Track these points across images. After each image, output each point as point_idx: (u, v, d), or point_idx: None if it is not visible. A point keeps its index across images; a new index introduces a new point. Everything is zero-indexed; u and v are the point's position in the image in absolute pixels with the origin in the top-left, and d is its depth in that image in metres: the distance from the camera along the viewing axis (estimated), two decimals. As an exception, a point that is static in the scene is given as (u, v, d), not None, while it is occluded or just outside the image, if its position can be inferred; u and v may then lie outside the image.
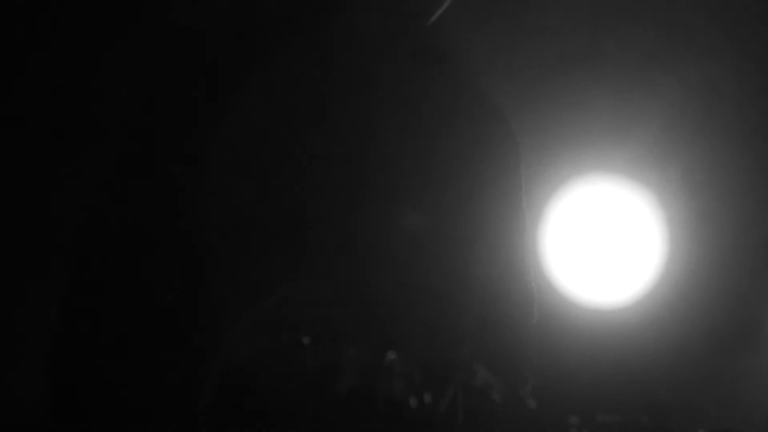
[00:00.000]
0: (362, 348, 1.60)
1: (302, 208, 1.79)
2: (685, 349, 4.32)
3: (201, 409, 1.57)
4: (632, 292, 4.40)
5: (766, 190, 4.34)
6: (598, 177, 4.40)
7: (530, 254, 2.31)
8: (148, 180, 1.75)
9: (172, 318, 1.65)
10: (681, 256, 4.37)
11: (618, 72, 4.26)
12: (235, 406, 1.55)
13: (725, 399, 4.23)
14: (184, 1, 2.82)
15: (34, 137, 3.50)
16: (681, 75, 4.21)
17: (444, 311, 1.98)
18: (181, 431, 1.60)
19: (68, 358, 1.71)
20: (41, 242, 3.46)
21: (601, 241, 4.44)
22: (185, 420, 1.59)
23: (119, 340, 1.67)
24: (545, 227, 4.40)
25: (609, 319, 4.40)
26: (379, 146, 1.97)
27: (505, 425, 1.79)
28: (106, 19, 3.51)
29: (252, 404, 1.56)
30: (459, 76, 2.20)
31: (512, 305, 2.22)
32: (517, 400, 1.82)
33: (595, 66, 4.27)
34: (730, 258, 4.35)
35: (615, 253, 4.43)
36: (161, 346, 1.65)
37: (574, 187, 4.41)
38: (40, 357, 1.85)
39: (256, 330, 1.65)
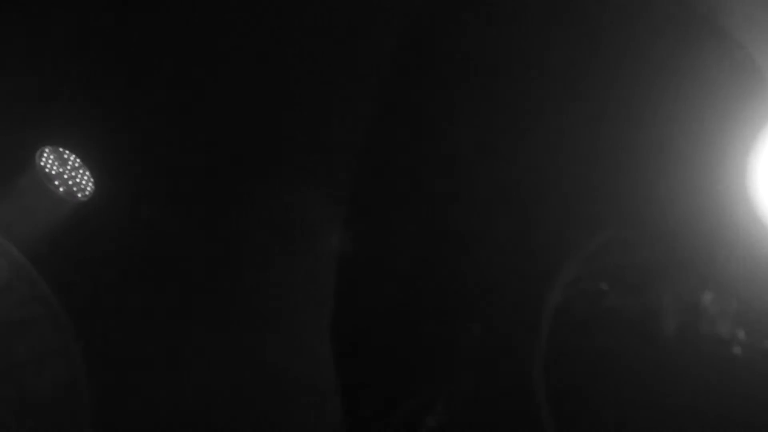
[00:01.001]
0: (679, 290, 1.63)
1: (595, 163, 1.84)
2: None
3: (531, 359, 1.62)
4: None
5: None
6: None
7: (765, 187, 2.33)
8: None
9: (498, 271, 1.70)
10: None
11: None
12: (569, 351, 1.60)
13: None
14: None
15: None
16: None
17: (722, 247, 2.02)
18: (518, 374, 1.65)
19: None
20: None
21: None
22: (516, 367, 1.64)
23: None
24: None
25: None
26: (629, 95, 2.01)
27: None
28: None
29: (583, 347, 1.60)
30: (693, 9, 2.21)
31: (759, 240, 2.25)
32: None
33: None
34: None
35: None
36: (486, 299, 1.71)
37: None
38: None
39: (576, 279, 1.69)
